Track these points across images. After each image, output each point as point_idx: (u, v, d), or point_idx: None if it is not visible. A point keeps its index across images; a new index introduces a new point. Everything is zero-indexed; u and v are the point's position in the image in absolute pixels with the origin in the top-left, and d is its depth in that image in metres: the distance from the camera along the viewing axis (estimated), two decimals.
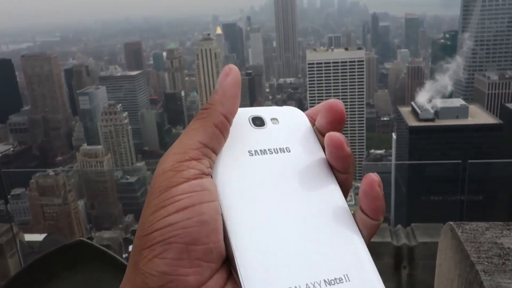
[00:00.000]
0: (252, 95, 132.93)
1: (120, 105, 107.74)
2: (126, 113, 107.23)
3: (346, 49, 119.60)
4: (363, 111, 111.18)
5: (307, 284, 0.37)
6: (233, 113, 0.43)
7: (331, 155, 0.44)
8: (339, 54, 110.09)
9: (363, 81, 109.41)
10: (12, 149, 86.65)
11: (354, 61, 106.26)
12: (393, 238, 3.71)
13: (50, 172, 46.98)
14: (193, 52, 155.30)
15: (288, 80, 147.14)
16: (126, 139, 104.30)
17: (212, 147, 0.42)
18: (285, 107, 0.47)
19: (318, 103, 0.48)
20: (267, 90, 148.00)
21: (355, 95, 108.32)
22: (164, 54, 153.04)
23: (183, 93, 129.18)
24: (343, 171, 0.45)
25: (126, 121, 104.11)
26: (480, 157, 62.09)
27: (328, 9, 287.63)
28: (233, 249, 0.38)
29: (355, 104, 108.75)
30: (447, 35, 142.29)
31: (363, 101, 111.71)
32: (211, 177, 0.41)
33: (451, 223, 0.97)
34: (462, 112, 72.81)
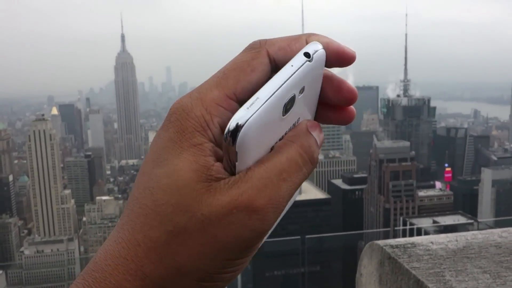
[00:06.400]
0: (92, 177, 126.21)
1: None
2: None
3: None
4: None
5: None
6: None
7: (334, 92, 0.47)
8: None
9: None
10: None
11: None
12: None
13: None
14: (24, 133, 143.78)
15: (131, 161, 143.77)
16: None
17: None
18: (313, 43, 0.45)
19: None
20: (108, 172, 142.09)
21: None
22: None
23: (11, 177, 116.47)
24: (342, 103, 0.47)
25: None
26: (315, 229, 67.63)
27: (169, 93, 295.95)
28: None
29: None
30: None
31: None
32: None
33: None
34: None
